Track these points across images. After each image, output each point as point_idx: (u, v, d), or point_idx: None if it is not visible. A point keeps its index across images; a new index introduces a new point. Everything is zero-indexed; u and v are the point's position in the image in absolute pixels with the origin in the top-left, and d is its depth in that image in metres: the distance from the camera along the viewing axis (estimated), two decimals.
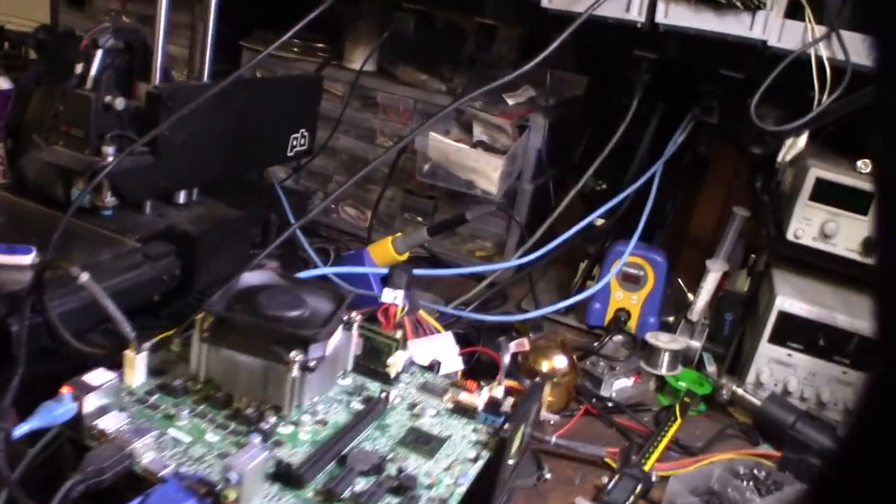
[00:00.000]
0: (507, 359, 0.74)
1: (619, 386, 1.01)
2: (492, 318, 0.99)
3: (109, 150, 0.82)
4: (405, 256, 1.11)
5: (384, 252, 1.09)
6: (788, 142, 0.98)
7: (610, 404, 0.98)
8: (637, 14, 0.92)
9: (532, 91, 1.19)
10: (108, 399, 0.61)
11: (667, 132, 1.14)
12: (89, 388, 0.60)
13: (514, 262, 1.08)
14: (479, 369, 0.88)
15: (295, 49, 1.33)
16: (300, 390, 0.64)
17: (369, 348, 0.73)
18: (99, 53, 0.82)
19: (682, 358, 1.06)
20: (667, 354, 1.03)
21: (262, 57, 0.83)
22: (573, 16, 0.86)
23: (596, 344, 1.06)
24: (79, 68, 0.83)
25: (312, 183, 1.34)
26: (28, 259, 0.75)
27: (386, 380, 0.72)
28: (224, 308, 0.67)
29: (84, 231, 0.84)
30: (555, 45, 0.83)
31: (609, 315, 1.14)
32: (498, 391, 0.70)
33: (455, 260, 1.26)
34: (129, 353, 0.65)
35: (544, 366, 0.93)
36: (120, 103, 0.82)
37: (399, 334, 0.74)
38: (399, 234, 1.10)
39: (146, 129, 0.83)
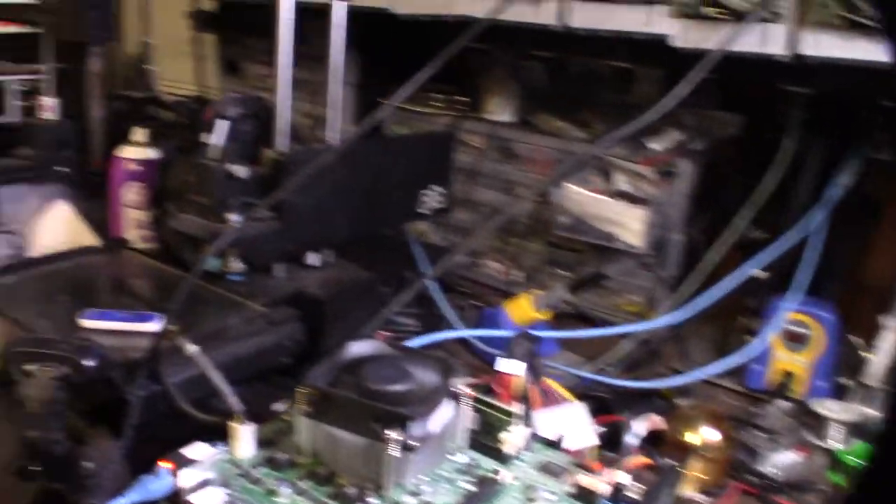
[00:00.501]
0: (630, 439, 0.67)
1: (781, 461, 0.90)
2: (632, 385, 0.91)
3: (234, 217, 0.83)
4: (545, 314, 1.06)
5: (523, 309, 1.05)
6: None
7: (770, 482, 0.87)
8: (779, 47, 0.83)
9: (678, 134, 1.11)
10: (209, 473, 0.60)
11: (828, 173, 1.03)
12: (187, 462, 0.59)
13: (662, 321, 1.00)
14: (618, 441, 0.81)
15: (435, 103, 1.32)
16: (401, 469, 0.60)
17: (483, 423, 0.68)
18: (222, 123, 0.83)
19: (858, 429, 0.93)
20: (838, 425, 0.91)
21: (373, 121, 0.81)
22: (705, 54, 0.79)
23: (753, 411, 0.96)
24: (205, 138, 0.85)
25: (455, 237, 1.31)
26: (153, 327, 0.77)
27: (501, 457, 0.67)
28: (329, 380, 0.65)
29: (212, 296, 0.85)
30: (683, 86, 0.76)
31: (771, 377, 1.02)
32: (622, 476, 0.63)
33: (602, 315, 1.19)
34: (234, 425, 0.64)
35: (691, 437, 0.85)
36: (243, 171, 0.83)
37: (517, 407, 0.69)
38: (538, 290, 1.05)
39: (271, 194, 0.84)
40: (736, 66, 0.87)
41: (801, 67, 0.84)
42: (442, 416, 0.63)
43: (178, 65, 1.51)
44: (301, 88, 1.42)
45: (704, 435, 0.85)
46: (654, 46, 0.89)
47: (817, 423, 0.93)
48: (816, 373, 1.00)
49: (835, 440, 0.91)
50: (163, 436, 0.72)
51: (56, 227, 1.07)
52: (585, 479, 0.64)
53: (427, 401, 0.62)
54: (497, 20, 0.92)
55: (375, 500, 0.60)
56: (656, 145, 1.09)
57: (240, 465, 0.64)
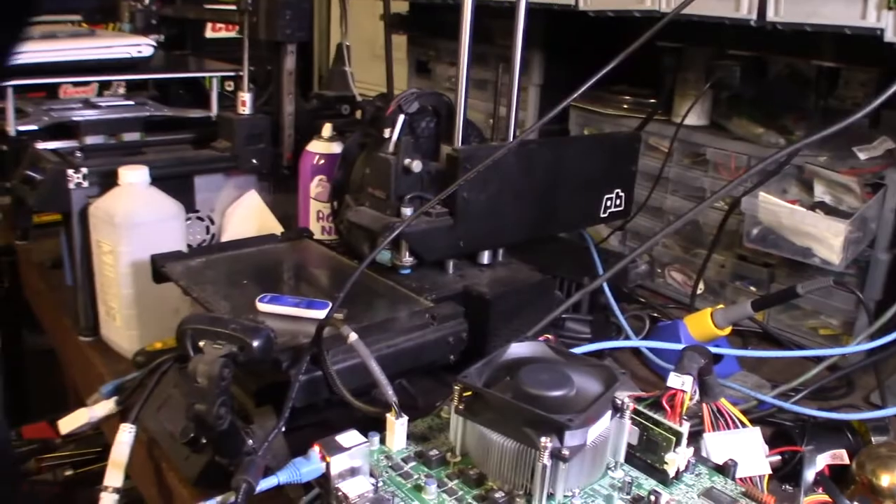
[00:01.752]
0: (810, 474, 0.61)
1: None
2: (821, 414, 0.83)
3: (408, 210, 0.84)
4: (727, 331, 0.99)
5: (703, 325, 0.98)
6: None
7: None
8: None
9: (890, 142, 1.00)
10: (358, 462, 0.60)
11: None
12: (339, 449, 0.59)
13: (858, 346, 0.90)
14: (796, 474, 0.74)
15: (624, 105, 1.28)
16: (553, 480, 0.57)
17: (645, 440, 0.64)
18: (401, 118, 0.84)
19: None
20: None
21: (541, 122, 0.78)
22: None
23: None
24: (386, 133, 0.86)
25: (637, 244, 1.26)
26: (321, 314, 0.78)
27: (663, 478, 0.63)
28: (486, 380, 0.63)
29: (382, 288, 0.86)
30: (892, 86, 0.68)
31: None
32: None
33: (793, 337, 1.10)
34: (389, 418, 0.65)
35: (884, 480, 0.76)
36: (417, 166, 0.83)
37: (684, 427, 0.64)
38: (720, 306, 0.99)
39: (444, 190, 0.83)
40: None
41: None
42: (601, 427, 0.60)
43: (374, 66, 1.55)
44: (486, 89, 1.43)
45: None
46: (865, 43, 0.80)
47: None
48: None
49: None
50: (323, 421, 0.74)
51: (246, 215, 1.13)
52: None
53: (586, 410, 0.58)
54: (686, 15, 0.87)
55: None
56: (865, 154, 1.00)
57: (391, 458, 0.64)
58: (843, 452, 0.66)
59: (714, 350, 0.93)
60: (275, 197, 1.18)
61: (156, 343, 0.94)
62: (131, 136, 1.14)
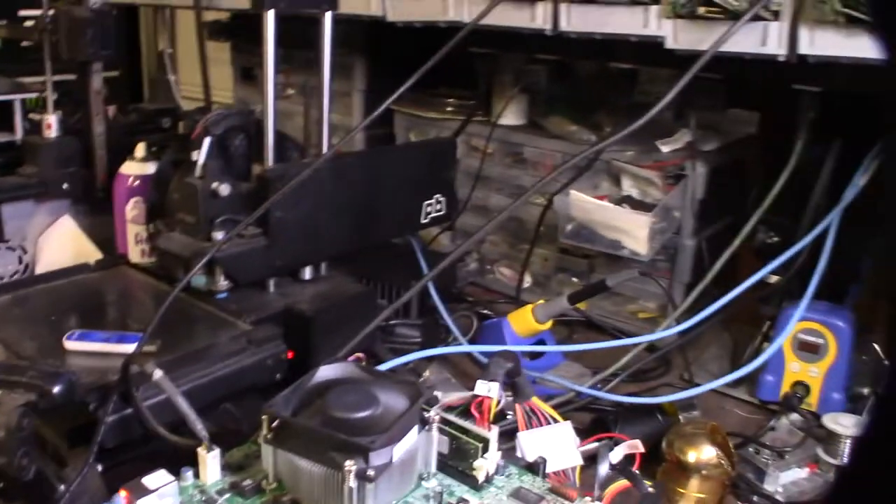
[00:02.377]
0: (603, 468, 0.64)
1: (788, 478, 0.86)
2: (629, 400, 0.88)
3: (219, 234, 0.83)
4: (548, 325, 1.03)
5: (525, 321, 1.02)
6: None
7: (777, 501, 0.84)
8: (777, 47, 0.79)
9: (689, 135, 1.07)
10: (168, 500, 0.59)
11: (848, 173, 0.98)
12: (144, 491, 0.58)
13: (667, 331, 0.96)
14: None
15: (448, 108, 1.30)
16: (361, 499, 0.58)
17: (456, 448, 0.66)
18: (207, 141, 0.83)
19: None
20: (849, 441, 0.87)
21: (357, 130, 0.79)
22: (699, 55, 0.76)
23: (763, 425, 0.92)
24: (194, 156, 0.85)
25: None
26: (131, 348, 0.76)
27: (473, 483, 0.65)
28: (296, 405, 0.64)
29: (200, 313, 0.85)
30: (675, 89, 0.73)
31: (784, 388, 0.98)
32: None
33: (615, 323, 1.16)
34: (201, 451, 0.64)
35: (691, 455, 0.81)
36: (225, 189, 0.83)
37: (492, 432, 0.67)
38: (541, 301, 1.03)
39: (255, 211, 0.83)
40: (741, 66, 0.83)
41: (806, 66, 0.80)
42: (408, 442, 0.62)
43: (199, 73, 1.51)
44: (314, 95, 1.42)
45: (704, 453, 0.81)
46: (654, 47, 0.85)
47: (829, 439, 0.88)
48: (830, 384, 0.96)
49: (845, 456, 0.87)
50: (151, 453, 0.72)
51: (61, 242, 1.08)
52: None
53: (392, 427, 0.60)
54: (488, 25, 0.90)
55: None
56: (667, 147, 1.06)
57: (205, 491, 0.63)
58: (639, 442, 0.70)
59: (527, 349, 0.97)
60: (92, 220, 1.14)
61: None
62: None
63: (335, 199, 0.90)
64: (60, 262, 1.03)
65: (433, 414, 0.64)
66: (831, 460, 0.87)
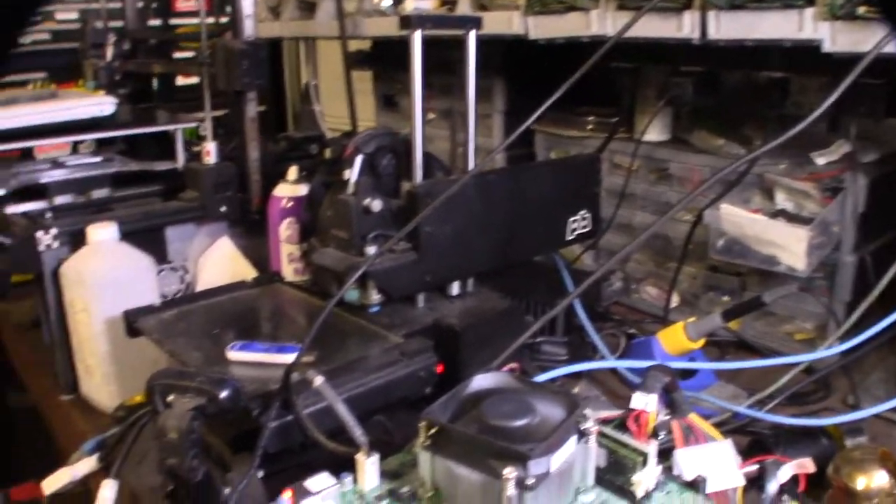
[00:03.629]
0: (773, 486, 0.61)
1: None
2: (791, 422, 0.84)
3: (372, 249, 0.85)
4: (700, 344, 1.00)
5: (676, 339, 0.99)
6: None
7: None
8: None
9: (847, 146, 1.02)
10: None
11: None
12: (307, 494, 0.60)
13: (828, 351, 0.91)
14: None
15: (588, 126, 1.29)
16: None
17: (613, 461, 0.65)
18: (359, 159, 0.85)
19: None
20: None
21: (499, 149, 0.79)
22: (859, 58, 0.72)
23: None
24: (346, 174, 0.87)
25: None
26: (292, 358, 0.79)
27: (632, 499, 0.63)
28: (452, 414, 0.64)
29: (352, 327, 0.87)
30: (836, 93, 0.70)
31: None
32: None
33: (768, 343, 1.11)
34: (360, 457, 0.65)
35: (861, 482, 0.76)
36: (377, 205, 0.85)
37: (651, 446, 0.65)
38: (692, 319, 1.00)
39: (405, 227, 0.84)
40: None
41: None
42: (566, 453, 0.61)
43: (345, 102, 1.56)
44: (457, 118, 1.44)
45: (875, 480, 0.76)
46: (808, 53, 0.82)
47: None
48: None
49: None
50: (307, 462, 0.74)
51: (220, 263, 1.13)
52: None
53: (550, 437, 0.59)
54: (632, 37, 0.88)
55: None
56: (823, 159, 1.01)
57: (364, 497, 0.64)
58: (808, 461, 0.67)
59: (680, 365, 0.94)
60: (247, 242, 1.19)
61: (135, 397, 0.94)
62: (100, 193, 1.15)
63: (481, 215, 0.91)
64: (219, 280, 1.07)
65: (591, 425, 0.63)
66: None
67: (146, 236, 1.06)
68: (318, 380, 0.68)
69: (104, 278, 0.95)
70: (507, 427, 0.60)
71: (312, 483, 0.61)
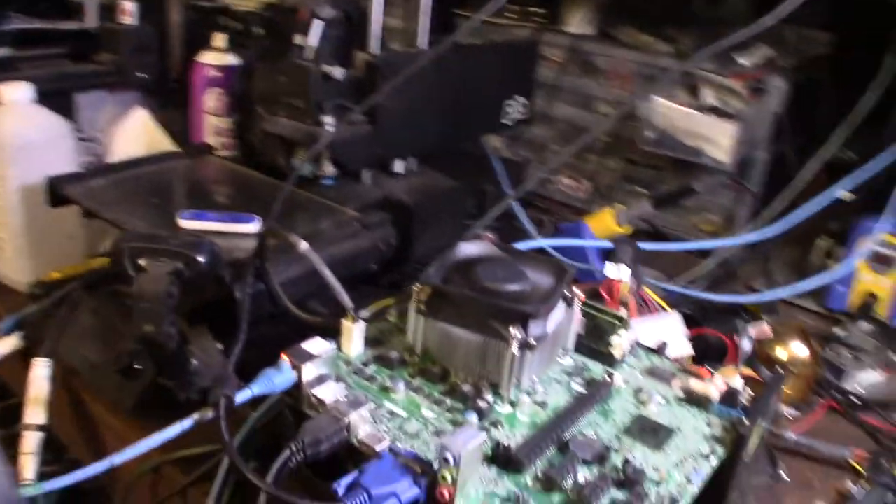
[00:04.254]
0: (746, 344, 0.66)
1: (865, 380, 0.90)
2: (723, 299, 0.90)
3: (329, 119, 0.82)
4: (627, 229, 1.04)
5: (604, 224, 1.03)
6: None
7: (855, 400, 0.87)
8: None
9: (768, 50, 1.07)
10: (325, 368, 0.60)
11: None
12: (308, 357, 0.59)
13: (749, 236, 0.98)
14: (704, 354, 0.81)
15: (510, 15, 1.29)
16: (519, 369, 0.60)
17: (592, 327, 0.68)
18: (317, 24, 0.82)
19: None
20: None
21: (475, 21, 0.78)
22: None
23: (838, 330, 0.95)
24: (298, 40, 0.83)
25: (528, 152, 1.30)
26: (251, 228, 0.77)
27: (609, 361, 0.67)
28: (441, 279, 0.64)
29: (304, 200, 0.85)
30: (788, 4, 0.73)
31: (854, 299, 1.01)
32: (736, 381, 0.63)
33: (679, 234, 1.17)
34: (346, 323, 0.64)
35: (781, 353, 0.84)
36: (339, 73, 0.82)
37: (624, 312, 0.68)
38: (621, 205, 1.04)
39: (364, 97, 0.82)
40: None
41: None
42: (556, 317, 0.63)
43: None
44: None
45: (793, 350, 0.84)
46: None
47: None
48: None
49: None
50: (261, 337, 0.73)
51: (135, 134, 1.06)
52: (697, 384, 0.64)
53: (543, 301, 0.61)
54: None
55: (492, 398, 0.60)
56: (746, 61, 1.06)
57: (351, 363, 0.64)
58: (767, 326, 0.73)
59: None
60: (162, 114, 1.12)
61: (52, 273, 0.88)
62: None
63: (433, 91, 0.90)
64: (133, 154, 1.01)
65: (577, 292, 0.65)
66: None
67: (55, 102, 0.96)
68: (303, 245, 0.66)
69: (20, 140, 0.87)
70: (503, 290, 0.62)
71: (310, 346, 0.60)
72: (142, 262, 0.63)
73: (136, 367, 0.70)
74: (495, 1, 0.77)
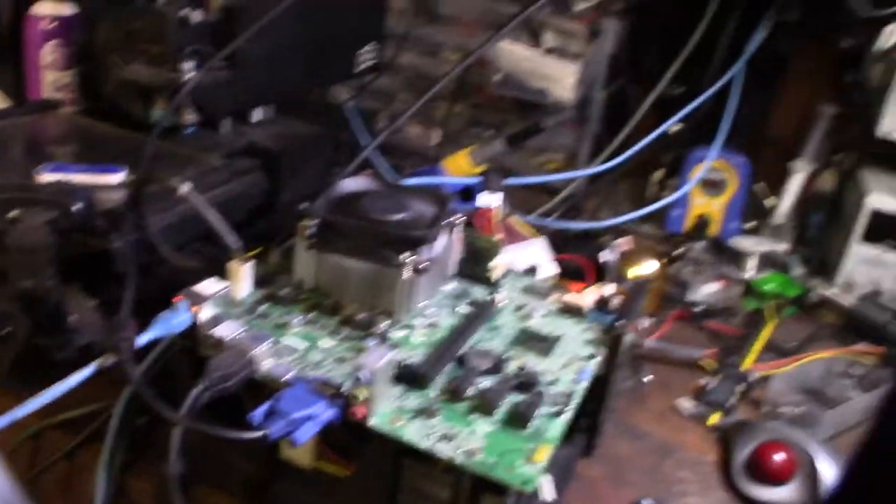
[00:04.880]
0: (613, 257, 0.72)
1: (705, 291, 0.99)
2: (579, 226, 0.97)
3: (189, 65, 0.80)
4: (481, 169, 1.08)
5: (460, 165, 1.06)
6: (888, 30, 0.94)
7: (698, 309, 0.96)
8: None
9: None
10: (220, 309, 0.60)
11: (743, 32, 1.10)
12: (202, 298, 0.59)
13: (595, 168, 1.05)
14: (568, 277, 0.87)
15: None
16: (411, 293, 0.63)
17: (471, 252, 0.71)
18: None
19: (768, 262, 1.04)
20: (753, 258, 1.01)
21: None
22: None
23: (682, 249, 1.04)
24: None
25: (375, 102, 1.31)
26: (118, 178, 0.74)
27: (489, 284, 0.71)
28: (327, 213, 0.66)
29: (166, 150, 0.83)
30: None
31: (689, 221, 1.11)
32: (608, 289, 0.68)
33: (525, 172, 1.23)
34: (234, 264, 0.64)
35: (634, 270, 0.92)
36: (197, 16, 0.80)
37: (498, 237, 0.72)
38: (475, 145, 1.08)
39: (222, 42, 0.81)
40: None
41: None
42: (440, 243, 0.66)
43: None
44: None
45: (645, 268, 0.92)
46: None
47: (735, 258, 1.02)
48: (730, 215, 1.10)
49: (751, 272, 1.01)
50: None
51: None
52: (572, 296, 0.69)
53: (430, 227, 0.64)
54: None
55: (387, 323, 0.62)
56: (581, 4, 1.12)
57: (242, 304, 0.64)
58: (630, 239, 0.79)
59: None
60: None
61: None
62: None
63: (291, 35, 0.89)
64: None
65: (458, 218, 0.68)
66: (739, 275, 1.01)
67: None
68: (185, 187, 0.65)
69: None
70: (390, 220, 0.64)
71: (204, 287, 0.60)
72: (12, 214, 0.60)
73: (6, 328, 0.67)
74: None
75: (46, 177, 0.73)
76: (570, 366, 0.61)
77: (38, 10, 0.96)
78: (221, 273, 0.65)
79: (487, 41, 0.88)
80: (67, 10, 0.97)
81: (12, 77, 1.02)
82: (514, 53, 1.09)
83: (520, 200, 1.11)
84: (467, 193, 0.83)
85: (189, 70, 0.80)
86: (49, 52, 0.97)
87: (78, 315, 0.65)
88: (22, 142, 0.84)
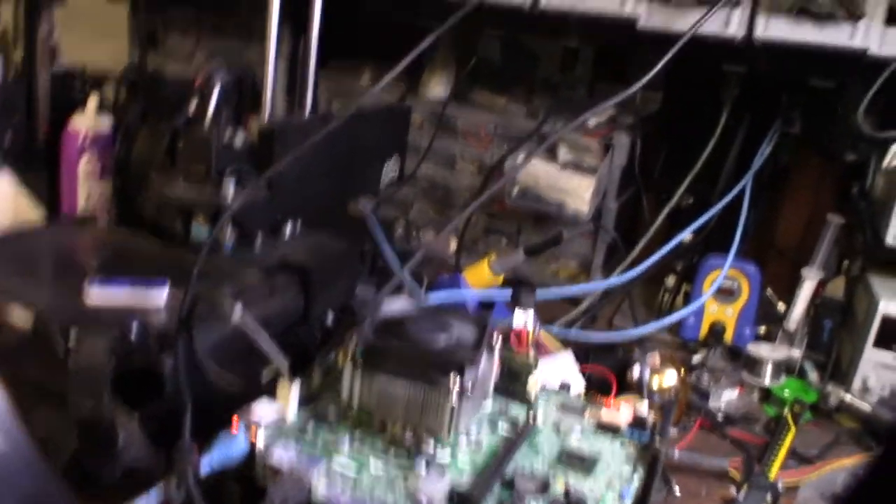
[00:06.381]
0: (647, 373, 0.74)
1: (725, 398, 1.01)
2: (604, 337, 0.99)
3: (229, 184, 0.84)
4: (501, 279, 1.11)
5: (480, 275, 1.09)
6: (894, 148, 0.99)
7: (720, 417, 0.98)
8: (736, 29, 0.93)
9: (611, 109, 1.19)
10: (271, 431, 0.62)
11: (750, 145, 1.15)
12: (260, 421, 0.60)
13: (618, 279, 1.08)
14: (592, 388, 0.88)
15: (369, 79, 1.35)
16: (458, 415, 0.64)
17: (507, 371, 0.73)
18: (216, 91, 0.84)
19: (782, 367, 1.06)
20: (770, 364, 1.03)
21: (375, 91, 0.83)
22: (670, 35, 0.88)
23: (699, 356, 1.06)
24: (192, 105, 0.85)
25: (393, 211, 1.35)
26: (163, 294, 0.76)
27: (526, 401, 0.72)
28: (374, 336, 0.68)
29: (207, 267, 0.85)
30: (660, 65, 0.84)
31: (704, 328, 1.14)
32: (642, 406, 0.70)
33: (540, 281, 1.26)
34: (284, 386, 0.66)
35: (656, 382, 0.93)
36: (240, 139, 0.84)
37: (533, 355, 0.75)
38: (493, 255, 1.10)
39: (260, 163, 0.85)
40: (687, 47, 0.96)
41: (747, 48, 0.94)
42: (482, 365, 0.68)
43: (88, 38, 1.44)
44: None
45: (667, 378, 0.94)
46: (616, 24, 0.96)
47: (752, 365, 1.04)
48: (743, 321, 1.12)
49: (768, 378, 1.03)
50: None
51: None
52: (607, 414, 0.71)
53: (474, 349, 0.66)
54: None
55: (433, 444, 0.64)
56: (594, 120, 1.18)
57: (292, 425, 0.66)
58: (658, 354, 0.81)
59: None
60: (23, 178, 1.07)
61: None
62: None
63: (323, 155, 0.93)
64: None
65: (496, 340, 0.71)
66: (756, 381, 1.03)
67: None
68: (238, 311, 0.67)
69: None
70: (434, 342, 0.66)
71: (262, 410, 0.61)
72: (76, 335, 0.62)
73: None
74: (391, 73, 0.83)
75: (95, 292, 0.75)
76: (612, 485, 0.62)
77: (77, 124, 1.00)
78: (257, 391, 0.67)
79: (526, 161, 0.92)
80: (105, 123, 1.01)
81: (47, 186, 1.05)
82: (532, 168, 1.14)
83: (538, 309, 1.14)
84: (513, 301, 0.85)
85: (231, 189, 0.83)
86: (85, 164, 1.00)
87: (124, 434, 0.67)
88: (64, 256, 0.86)
